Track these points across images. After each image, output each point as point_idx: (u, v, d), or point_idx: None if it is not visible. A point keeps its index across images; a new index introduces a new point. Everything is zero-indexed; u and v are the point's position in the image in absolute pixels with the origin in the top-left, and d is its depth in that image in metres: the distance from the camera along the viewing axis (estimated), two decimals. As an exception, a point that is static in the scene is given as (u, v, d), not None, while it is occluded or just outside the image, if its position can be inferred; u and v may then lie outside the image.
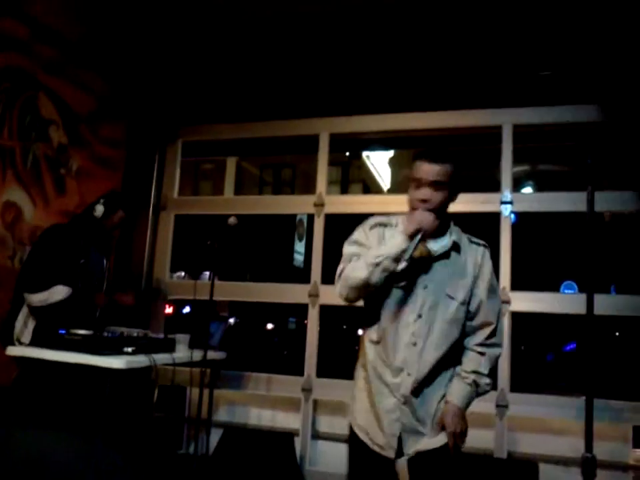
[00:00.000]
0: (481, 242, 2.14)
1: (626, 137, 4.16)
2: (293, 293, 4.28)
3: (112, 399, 2.79)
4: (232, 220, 3.28)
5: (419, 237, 1.90)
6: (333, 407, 4.00)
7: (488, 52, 3.80)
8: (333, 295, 3.98)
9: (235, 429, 3.93)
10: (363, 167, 11.18)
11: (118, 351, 2.76)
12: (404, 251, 1.90)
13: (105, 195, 3.39)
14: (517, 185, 4.04)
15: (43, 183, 3.72)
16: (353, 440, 2.08)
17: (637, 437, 3.53)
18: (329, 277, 4.17)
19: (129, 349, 2.79)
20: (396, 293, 2.03)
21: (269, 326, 10.96)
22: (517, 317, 3.70)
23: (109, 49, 4.08)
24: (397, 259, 1.91)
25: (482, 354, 2.04)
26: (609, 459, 3.29)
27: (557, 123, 3.91)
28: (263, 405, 4.23)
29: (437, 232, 2.03)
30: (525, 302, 3.70)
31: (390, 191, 10.98)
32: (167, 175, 4.69)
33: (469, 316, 2.05)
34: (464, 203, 4.05)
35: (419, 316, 1.99)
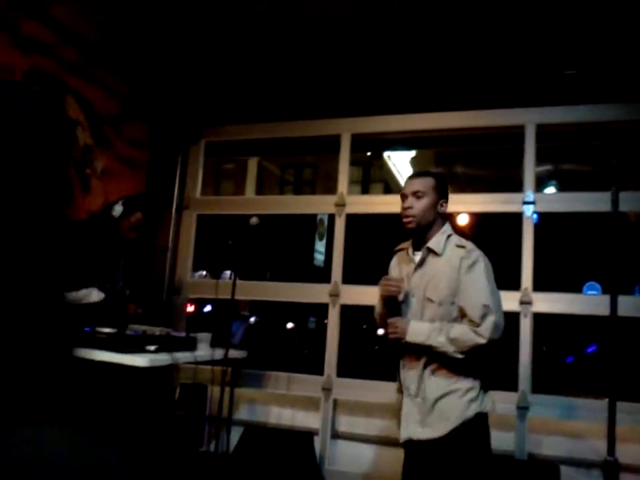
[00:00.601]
0: (468, 245, 2.27)
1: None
2: (313, 293, 4.29)
3: (135, 396, 2.83)
4: (253, 220, 3.31)
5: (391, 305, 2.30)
6: (353, 406, 4.01)
7: (511, 51, 3.77)
8: (353, 295, 4.05)
9: (255, 428, 3.95)
10: (384, 167, 11.16)
11: (141, 349, 2.80)
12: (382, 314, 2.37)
13: (126, 196, 3.45)
14: (539, 185, 4.00)
15: (69, 182, 3.78)
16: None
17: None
18: (349, 276, 4.19)
19: (152, 347, 2.83)
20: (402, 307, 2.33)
21: (289, 325, 11.00)
22: (538, 318, 3.67)
23: (131, 50, 4.13)
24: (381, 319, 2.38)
25: (458, 326, 2.16)
26: (631, 462, 3.24)
27: (581, 122, 3.86)
28: (283, 404, 4.24)
29: (422, 242, 2.31)
30: (547, 303, 3.66)
31: (411, 191, 10.91)
32: (190, 175, 4.74)
33: (453, 313, 2.21)
34: (485, 203, 4.09)
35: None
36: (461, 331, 2.12)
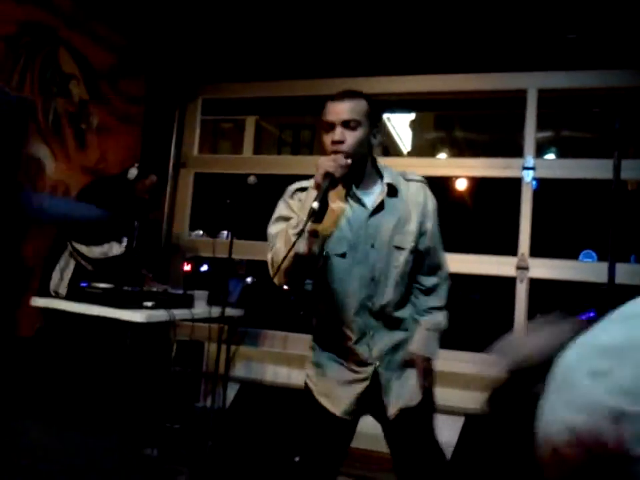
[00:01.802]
0: (418, 177, 1.99)
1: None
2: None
3: (132, 351, 2.86)
4: (251, 179, 3.29)
5: (326, 184, 1.67)
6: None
7: (513, 13, 3.69)
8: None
9: (251, 385, 4.01)
10: (383, 130, 11.07)
11: (138, 305, 2.81)
12: (316, 208, 1.63)
13: (140, 159, 3.52)
14: (539, 151, 3.97)
15: (64, 137, 3.74)
16: None
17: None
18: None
19: (149, 304, 2.85)
20: (340, 262, 1.87)
21: (285, 286, 11.06)
22: (533, 284, 3.69)
23: (127, 2, 4.04)
24: (313, 219, 1.66)
25: (434, 290, 2.00)
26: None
27: (583, 87, 3.82)
28: (279, 362, 4.29)
29: (366, 178, 1.91)
30: (544, 269, 3.69)
31: (410, 154, 10.88)
32: (187, 132, 4.69)
33: (419, 259, 1.96)
34: (485, 168, 4.07)
35: (372, 279, 1.87)
36: (443, 295, 2.02)
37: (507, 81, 3.92)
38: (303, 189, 1.90)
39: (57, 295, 3.15)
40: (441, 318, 2.00)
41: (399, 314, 1.95)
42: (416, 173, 2.03)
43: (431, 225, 1.95)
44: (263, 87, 4.50)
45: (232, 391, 3.84)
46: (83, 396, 3.07)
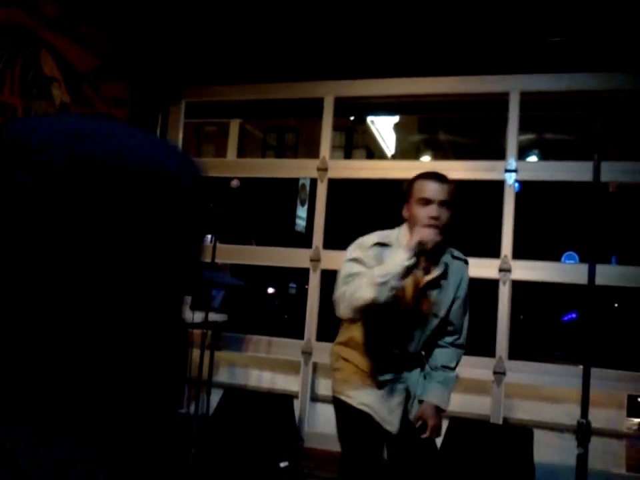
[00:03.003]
0: (462, 257, 2.24)
1: (636, 107, 4.11)
2: (294, 258, 4.29)
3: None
4: (234, 182, 3.27)
5: (417, 249, 1.95)
6: (332, 370, 4.06)
7: (496, 17, 3.72)
8: (334, 260, 4.05)
9: (235, 390, 3.98)
10: (367, 133, 11.07)
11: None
12: (408, 267, 1.94)
13: None
14: (521, 154, 4.00)
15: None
16: None
17: (631, 406, 3.59)
18: (330, 242, 4.18)
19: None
20: (402, 316, 2.14)
21: (270, 290, 11.02)
22: (516, 286, 3.71)
23: (110, 5, 4.00)
24: (403, 276, 1.94)
25: (451, 351, 2.25)
26: (603, 426, 3.34)
27: (565, 90, 3.85)
28: (263, 367, 4.28)
29: (437, 254, 2.14)
30: (526, 270, 3.71)
31: (394, 157, 10.90)
32: (171, 136, 4.66)
33: (445, 323, 2.23)
34: (468, 170, 4.08)
35: (411, 337, 2.17)
36: (455, 359, 2.26)
37: (490, 84, 3.94)
38: (381, 244, 2.13)
39: None
40: (452, 375, 2.23)
41: (418, 363, 2.25)
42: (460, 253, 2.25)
43: (461, 298, 2.21)
44: (246, 89, 4.49)
45: (216, 396, 3.81)
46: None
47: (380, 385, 2.17)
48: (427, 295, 2.14)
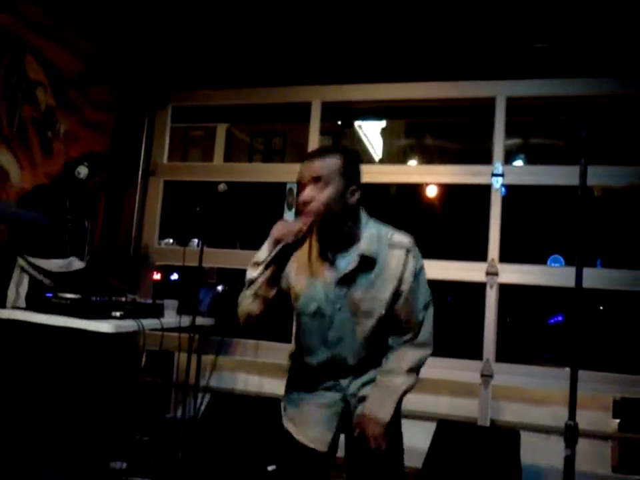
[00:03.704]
0: (403, 243, 1.86)
1: (621, 112, 4.16)
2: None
3: (100, 363, 2.80)
4: (222, 186, 3.26)
5: (275, 251, 1.68)
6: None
7: (482, 22, 3.74)
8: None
9: (223, 394, 3.96)
10: (354, 137, 11.12)
11: (106, 315, 2.76)
12: (254, 278, 1.72)
13: (86, 156, 3.39)
14: (508, 158, 4.03)
15: (30, 145, 3.66)
16: None
17: (617, 408, 3.61)
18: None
19: (117, 314, 2.79)
20: (304, 320, 1.88)
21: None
22: (502, 289, 3.73)
23: (95, 8, 3.98)
24: (270, 282, 1.73)
25: (403, 352, 1.92)
26: (589, 428, 3.36)
27: (551, 96, 3.88)
28: (251, 371, 4.26)
29: (343, 239, 1.83)
30: (513, 274, 3.72)
31: (381, 161, 10.94)
32: (157, 140, 4.64)
33: (391, 319, 1.89)
34: (455, 175, 4.11)
35: (337, 341, 1.86)
36: (410, 361, 1.91)
37: (477, 89, 3.97)
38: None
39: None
40: (399, 381, 1.89)
41: (365, 367, 1.93)
42: (404, 234, 1.90)
43: (406, 288, 1.85)
44: (233, 94, 4.48)
45: (203, 400, 3.79)
46: (49, 408, 3.00)
47: (312, 395, 1.94)
48: (348, 294, 1.81)
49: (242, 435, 3.51)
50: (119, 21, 4.13)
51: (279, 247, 1.68)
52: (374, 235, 1.85)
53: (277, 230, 1.71)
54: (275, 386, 4.13)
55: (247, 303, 1.80)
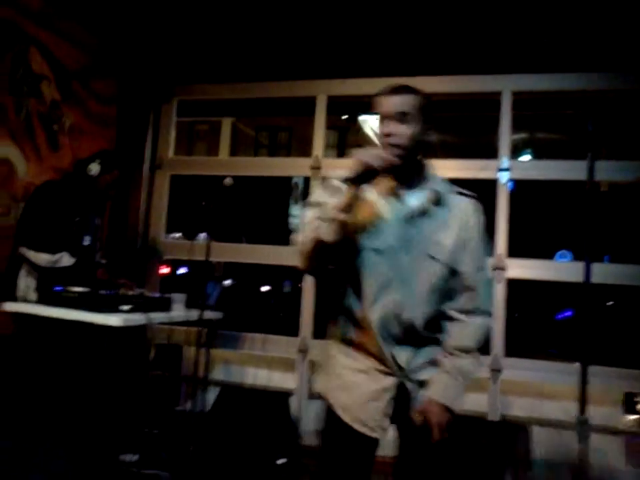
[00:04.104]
0: (470, 193, 1.86)
1: (627, 107, 4.14)
2: (289, 255, 4.26)
3: (109, 356, 2.81)
4: (227, 181, 3.26)
5: (359, 172, 1.62)
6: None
7: (488, 16, 3.72)
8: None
9: (231, 388, 3.97)
10: (360, 132, 11.08)
11: (114, 309, 2.76)
12: (351, 197, 1.61)
13: (99, 154, 3.39)
14: (514, 154, 4.01)
15: (36, 139, 3.66)
16: None
17: (628, 403, 3.61)
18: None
19: (126, 307, 2.80)
20: (368, 257, 1.76)
21: (265, 288, 10.99)
22: (511, 284, 3.72)
23: (99, 1, 3.96)
24: (346, 207, 1.62)
25: (465, 324, 1.81)
26: (600, 423, 3.35)
27: (557, 90, 3.86)
28: (259, 365, 4.26)
29: (415, 178, 1.79)
30: (521, 269, 3.71)
31: (386, 157, 10.90)
32: (162, 134, 4.63)
33: (452, 279, 1.79)
34: (461, 170, 4.09)
35: (401, 281, 1.74)
36: (474, 332, 1.81)
37: (482, 83, 3.95)
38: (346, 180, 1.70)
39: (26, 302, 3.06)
40: (466, 363, 1.79)
41: (428, 334, 1.79)
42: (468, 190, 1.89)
43: (472, 239, 1.81)
44: (239, 88, 4.47)
45: (212, 394, 3.81)
46: (59, 402, 3.01)
47: (364, 375, 1.79)
48: (414, 232, 1.74)
49: (252, 428, 3.52)
50: (122, 14, 4.12)
51: (363, 170, 1.61)
52: (442, 181, 1.84)
53: (364, 153, 1.64)
54: (283, 379, 4.15)
55: (313, 227, 1.66)
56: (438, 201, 1.78)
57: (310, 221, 1.70)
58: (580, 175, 3.13)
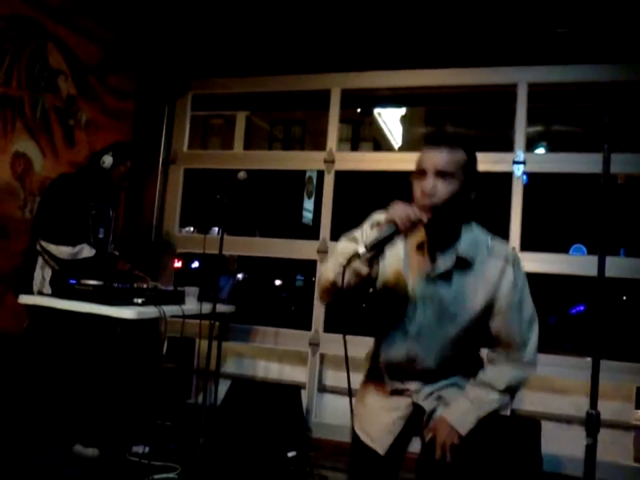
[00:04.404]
0: (503, 252, 1.78)
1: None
2: (302, 249, 4.29)
3: (122, 349, 2.84)
4: (241, 174, 3.27)
5: (388, 232, 1.60)
6: (339, 361, 4.06)
7: (503, 8, 3.69)
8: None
9: (243, 381, 4.00)
10: (373, 125, 11.07)
11: (128, 302, 2.79)
12: (374, 246, 1.60)
13: (112, 146, 3.43)
14: (529, 146, 3.98)
15: (52, 133, 3.70)
16: None
17: (639, 398, 3.58)
18: (337, 234, 4.18)
19: (139, 300, 2.82)
20: (392, 310, 1.82)
21: (277, 282, 11.05)
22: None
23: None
24: (370, 257, 1.63)
25: (501, 368, 1.81)
26: (611, 418, 3.33)
27: (573, 82, 3.82)
28: (271, 358, 4.29)
29: (446, 240, 1.76)
30: (535, 263, 3.68)
31: (401, 149, 10.88)
32: (177, 128, 4.66)
33: (483, 330, 1.81)
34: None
35: (416, 338, 1.80)
36: (506, 378, 1.79)
37: (498, 76, 3.92)
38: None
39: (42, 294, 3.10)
40: (491, 398, 1.79)
41: (443, 372, 1.85)
42: (505, 243, 1.86)
43: (504, 303, 1.75)
44: (253, 82, 4.48)
45: (223, 387, 3.83)
46: (72, 393, 3.05)
47: (381, 397, 1.91)
48: (437, 293, 1.76)
49: (262, 420, 3.55)
50: (137, 8, 4.15)
51: (393, 229, 1.60)
52: (473, 238, 1.78)
53: (397, 212, 1.60)
54: (295, 373, 4.17)
55: (336, 272, 1.68)
56: (465, 266, 1.75)
57: (337, 255, 1.74)
58: (596, 168, 3.09)
